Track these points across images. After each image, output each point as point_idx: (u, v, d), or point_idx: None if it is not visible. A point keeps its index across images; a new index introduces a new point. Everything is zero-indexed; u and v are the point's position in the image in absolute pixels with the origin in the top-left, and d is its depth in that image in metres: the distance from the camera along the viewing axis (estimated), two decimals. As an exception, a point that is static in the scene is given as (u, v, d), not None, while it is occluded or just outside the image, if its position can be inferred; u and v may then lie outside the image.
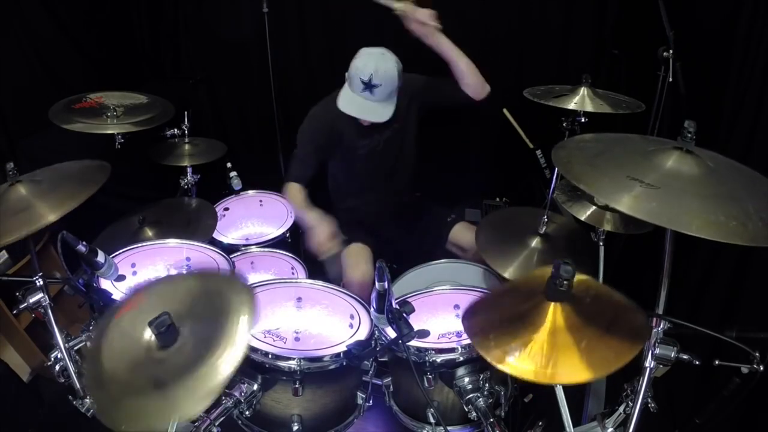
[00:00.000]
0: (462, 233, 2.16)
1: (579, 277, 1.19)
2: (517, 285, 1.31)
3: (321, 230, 1.91)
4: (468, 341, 1.34)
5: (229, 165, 2.46)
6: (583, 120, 2.17)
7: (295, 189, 2.06)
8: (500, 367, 1.07)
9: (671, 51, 1.83)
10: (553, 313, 1.14)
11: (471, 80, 1.97)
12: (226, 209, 2.43)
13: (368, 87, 1.82)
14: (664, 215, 0.95)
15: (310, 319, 1.59)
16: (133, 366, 1.03)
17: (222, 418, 1.30)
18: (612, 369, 1.02)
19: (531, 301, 1.20)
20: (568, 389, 1.18)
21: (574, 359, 1.04)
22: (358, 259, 2.04)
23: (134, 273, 1.69)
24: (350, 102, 1.87)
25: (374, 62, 1.82)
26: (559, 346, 1.07)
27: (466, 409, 1.34)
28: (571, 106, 1.99)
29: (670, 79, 1.86)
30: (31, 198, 1.38)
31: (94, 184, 1.41)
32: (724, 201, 0.98)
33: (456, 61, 1.94)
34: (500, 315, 1.21)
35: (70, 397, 1.44)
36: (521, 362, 1.06)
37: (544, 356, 1.06)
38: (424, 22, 1.85)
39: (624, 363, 1.02)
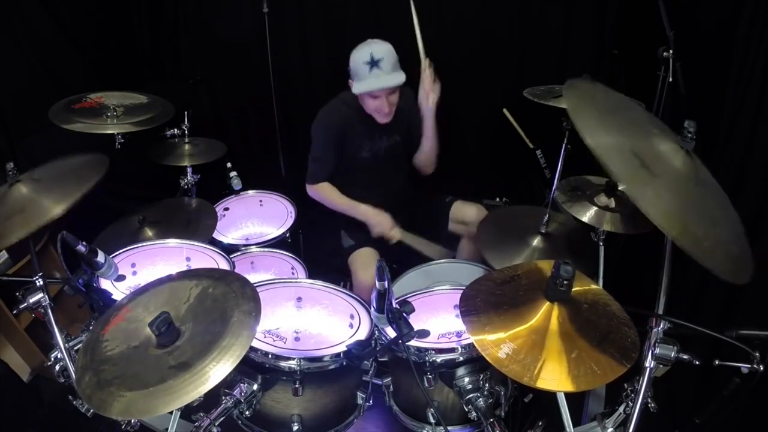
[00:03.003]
0: (462, 209, 2.23)
1: (580, 281, 1.19)
2: (519, 275, 1.30)
3: (381, 220, 2.07)
4: (468, 341, 1.33)
5: (229, 165, 2.46)
6: (583, 120, 2.16)
7: (328, 188, 2.14)
8: (490, 360, 1.08)
9: (671, 51, 1.83)
10: (551, 314, 1.14)
11: (425, 159, 2.24)
12: (226, 209, 2.42)
13: (373, 64, 1.91)
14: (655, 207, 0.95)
15: (310, 319, 1.59)
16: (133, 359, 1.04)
17: (222, 418, 1.29)
18: (594, 385, 1.03)
19: (530, 295, 1.20)
20: (568, 389, 1.18)
21: (562, 367, 1.05)
22: (366, 263, 2.06)
23: (134, 273, 1.69)
24: (366, 83, 1.94)
25: (367, 46, 1.94)
26: (551, 350, 1.07)
27: (466, 409, 1.34)
28: (571, 106, 1.99)
29: (670, 79, 1.85)
30: (32, 195, 1.39)
31: (95, 174, 1.43)
32: (704, 218, 0.98)
33: (430, 138, 2.16)
34: (498, 302, 1.21)
35: (70, 397, 1.44)
36: (511, 360, 1.07)
37: (534, 357, 1.06)
38: (431, 90, 2.05)
39: (607, 382, 1.03)
